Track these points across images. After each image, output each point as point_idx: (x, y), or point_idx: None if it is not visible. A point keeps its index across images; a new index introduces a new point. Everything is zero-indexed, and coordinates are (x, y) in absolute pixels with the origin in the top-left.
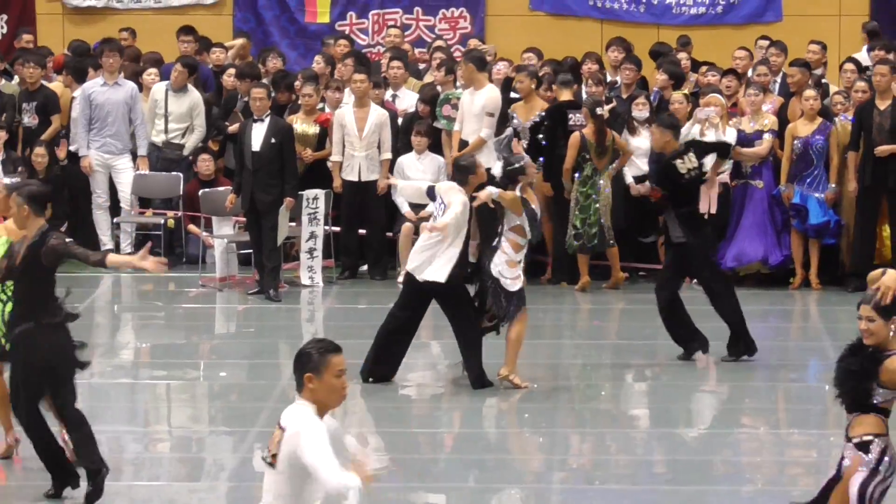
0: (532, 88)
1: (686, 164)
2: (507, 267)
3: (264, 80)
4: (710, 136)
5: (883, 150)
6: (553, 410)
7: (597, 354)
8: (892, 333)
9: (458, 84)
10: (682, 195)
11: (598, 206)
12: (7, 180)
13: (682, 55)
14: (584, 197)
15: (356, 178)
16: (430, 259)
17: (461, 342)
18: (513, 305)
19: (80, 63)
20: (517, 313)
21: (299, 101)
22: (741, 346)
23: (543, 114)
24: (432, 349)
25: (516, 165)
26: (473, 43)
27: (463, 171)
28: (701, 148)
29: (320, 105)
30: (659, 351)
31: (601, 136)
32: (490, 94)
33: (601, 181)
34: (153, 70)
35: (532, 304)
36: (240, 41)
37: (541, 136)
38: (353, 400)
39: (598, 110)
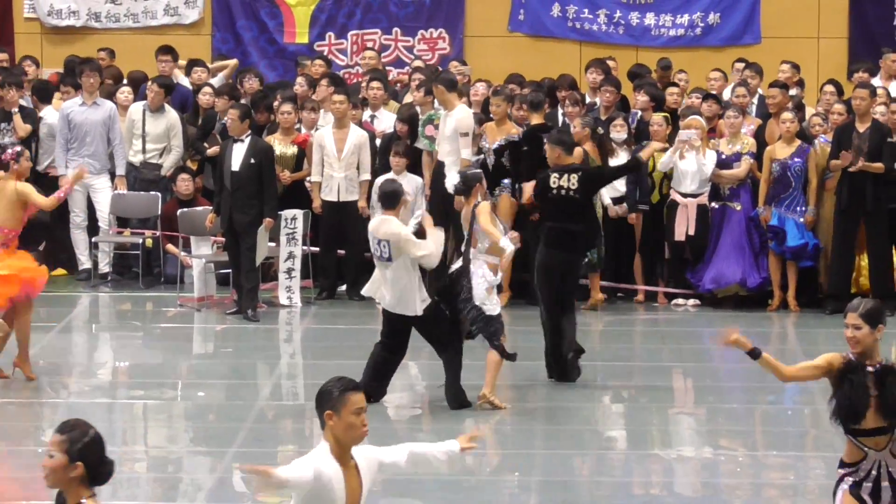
0: (506, 112)
1: (559, 181)
2: (486, 294)
3: (243, 101)
4: (690, 159)
5: (857, 167)
6: (530, 432)
7: None
8: (878, 341)
9: (436, 105)
10: (546, 208)
11: None
12: None
13: (681, 76)
14: None
15: (335, 199)
16: (401, 296)
17: (443, 361)
18: (494, 327)
19: (45, 85)
20: (500, 335)
21: (277, 120)
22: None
23: (515, 138)
24: (410, 370)
25: (474, 171)
26: (453, 65)
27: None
28: (611, 172)
29: (297, 125)
30: (636, 372)
31: (604, 153)
32: (460, 115)
33: (596, 198)
34: (126, 88)
35: (512, 325)
36: (232, 62)
37: (503, 159)
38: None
39: (600, 130)
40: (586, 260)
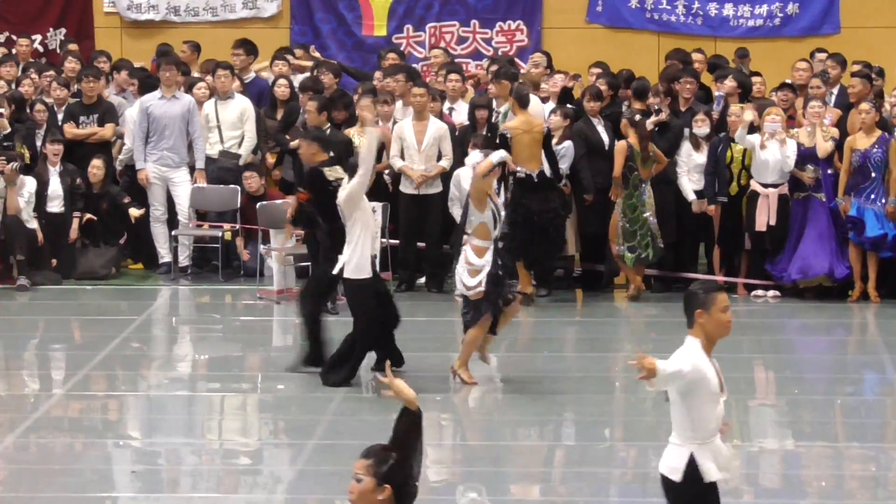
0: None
1: (335, 172)
2: (468, 277)
3: (325, 95)
4: (772, 149)
5: None
6: (607, 423)
7: None
8: None
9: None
10: (330, 206)
11: (646, 215)
12: None
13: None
14: (632, 209)
15: (415, 192)
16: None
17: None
18: (471, 314)
19: (148, 75)
20: (477, 320)
21: (356, 113)
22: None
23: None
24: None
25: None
26: (534, 56)
27: None
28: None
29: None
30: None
31: (644, 142)
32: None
33: (647, 191)
34: (202, 84)
35: (588, 317)
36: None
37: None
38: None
39: (637, 117)
40: (642, 255)
